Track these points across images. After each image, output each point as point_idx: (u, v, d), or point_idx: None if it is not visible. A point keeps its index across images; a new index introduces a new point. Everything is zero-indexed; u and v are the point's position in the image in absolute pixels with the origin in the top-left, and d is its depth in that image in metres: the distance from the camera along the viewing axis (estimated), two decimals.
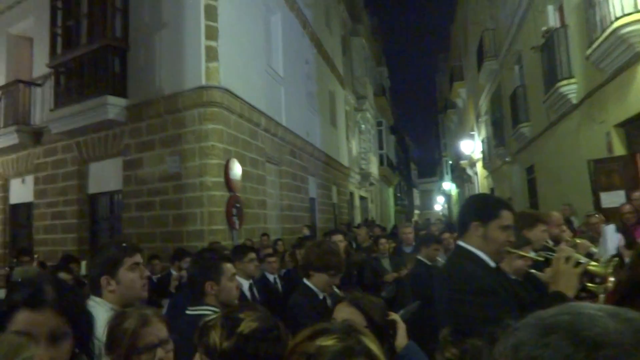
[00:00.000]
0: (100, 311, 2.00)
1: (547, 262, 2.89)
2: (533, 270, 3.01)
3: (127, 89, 8.98)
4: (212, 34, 8.28)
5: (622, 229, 5.57)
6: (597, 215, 6.13)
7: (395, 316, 2.01)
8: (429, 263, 5.09)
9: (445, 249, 6.62)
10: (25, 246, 9.29)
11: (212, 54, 8.26)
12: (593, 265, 2.10)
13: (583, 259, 2.10)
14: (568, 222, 7.45)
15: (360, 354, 1.10)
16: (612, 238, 4.35)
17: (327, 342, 1.11)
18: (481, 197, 2.58)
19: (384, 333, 1.77)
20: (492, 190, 21.24)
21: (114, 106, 8.70)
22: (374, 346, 1.15)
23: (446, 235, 6.41)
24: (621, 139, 7.69)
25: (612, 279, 1.96)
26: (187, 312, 2.39)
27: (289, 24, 12.82)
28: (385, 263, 6.68)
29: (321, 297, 3.05)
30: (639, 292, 1.64)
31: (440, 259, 6.68)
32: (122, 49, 8.99)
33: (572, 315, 0.58)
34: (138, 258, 2.24)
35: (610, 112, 7.71)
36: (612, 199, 7.13)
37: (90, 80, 8.98)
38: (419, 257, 5.22)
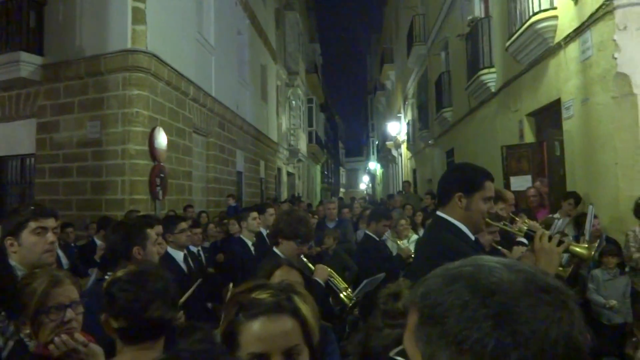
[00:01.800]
0: None
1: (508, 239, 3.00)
2: (499, 247, 3.15)
3: (44, 47, 8.39)
4: None
5: (526, 210, 6.08)
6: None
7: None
8: (377, 238, 5.22)
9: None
10: None
11: (139, 16, 7.89)
12: (577, 246, 2.11)
13: (564, 239, 2.11)
14: None
15: (287, 310, 1.18)
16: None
17: (261, 295, 1.19)
18: (465, 167, 2.44)
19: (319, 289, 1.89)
20: (414, 171, 22.10)
21: (27, 63, 8.12)
22: (304, 307, 1.22)
23: (367, 212, 6.76)
24: (532, 127, 8.27)
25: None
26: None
27: None
28: None
29: None
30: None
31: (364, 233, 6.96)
32: (39, 2, 8.36)
33: (473, 266, 0.65)
34: (48, 223, 2.20)
35: (523, 102, 8.25)
36: (520, 183, 7.69)
37: (1, 34, 8.29)
38: (367, 231, 5.38)
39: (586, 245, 2.13)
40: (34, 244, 2.13)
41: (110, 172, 7.78)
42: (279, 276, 1.93)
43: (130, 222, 2.56)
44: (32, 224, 2.14)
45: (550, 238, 2.04)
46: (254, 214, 5.00)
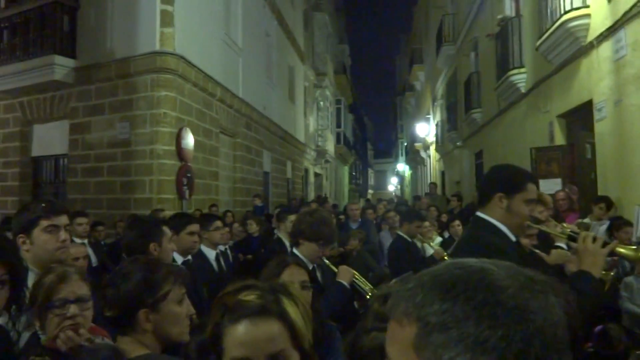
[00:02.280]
0: None
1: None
2: (537, 251, 3.06)
3: (76, 50, 8.63)
4: None
5: (555, 214, 5.92)
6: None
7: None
8: (409, 239, 5.10)
9: (390, 227, 6.84)
10: None
11: (167, 19, 8.03)
12: (624, 248, 2.04)
13: (609, 241, 2.06)
14: None
15: (273, 313, 1.12)
16: None
17: (247, 297, 1.14)
18: (507, 168, 2.39)
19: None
20: (442, 173, 21.83)
21: (61, 67, 8.36)
22: (292, 309, 1.16)
23: (391, 214, 6.66)
24: (562, 129, 8.06)
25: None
26: None
27: None
28: None
29: (310, 267, 2.92)
30: None
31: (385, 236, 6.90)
32: (72, 6, 8.60)
33: (465, 269, 0.66)
34: (59, 220, 2.17)
35: (554, 103, 8.05)
36: (550, 186, 7.49)
37: (36, 38, 8.57)
38: (400, 232, 5.26)
39: (634, 247, 2.06)
40: (45, 242, 2.11)
41: (138, 172, 7.94)
42: (288, 275, 1.92)
43: (146, 219, 2.58)
44: (44, 222, 2.12)
45: (594, 239, 1.99)
46: (293, 217, 5.04)
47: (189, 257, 3.46)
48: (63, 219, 2.20)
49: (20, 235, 2.12)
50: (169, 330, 1.52)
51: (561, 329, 0.61)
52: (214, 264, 4.06)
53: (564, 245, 3.14)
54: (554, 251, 3.14)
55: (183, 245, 3.34)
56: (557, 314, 0.62)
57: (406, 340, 0.64)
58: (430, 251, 5.54)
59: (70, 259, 3.24)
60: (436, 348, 0.61)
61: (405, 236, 5.13)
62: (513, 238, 2.16)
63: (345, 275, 2.96)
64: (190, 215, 3.87)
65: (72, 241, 5.03)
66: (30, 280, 1.85)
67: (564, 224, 3.97)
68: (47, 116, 9.08)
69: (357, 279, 3.10)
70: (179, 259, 3.36)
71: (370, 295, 3.14)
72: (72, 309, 1.62)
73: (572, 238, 2.15)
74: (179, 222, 3.39)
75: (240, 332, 1.09)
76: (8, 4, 8.98)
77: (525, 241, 2.87)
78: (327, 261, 3.07)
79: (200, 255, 3.90)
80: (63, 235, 2.16)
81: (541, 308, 0.60)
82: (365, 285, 3.23)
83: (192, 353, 1.69)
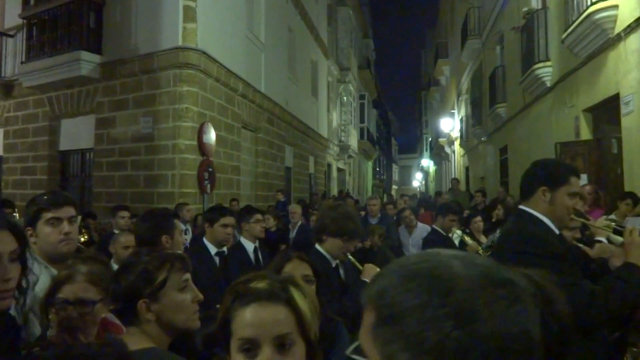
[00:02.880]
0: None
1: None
2: (580, 244, 3.06)
3: (102, 46, 8.80)
4: None
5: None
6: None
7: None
8: (444, 233, 5.06)
9: (407, 226, 6.82)
10: (8, 199, 8.98)
11: (190, 14, 8.12)
12: None
13: None
14: None
15: (280, 298, 1.20)
16: None
17: (258, 284, 1.22)
18: (550, 162, 2.44)
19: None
20: (467, 168, 21.55)
21: (87, 62, 8.54)
22: (299, 298, 1.23)
23: (406, 212, 6.72)
24: (588, 123, 7.86)
25: None
26: None
27: None
28: None
29: (333, 264, 2.85)
30: None
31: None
32: (98, 3, 8.77)
33: (430, 262, 0.63)
34: (62, 213, 2.12)
35: (580, 97, 7.85)
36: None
37: (63, 34, 8.77)
38: (434, 226, 5.26)
39: None
40: (48, 235, 2.08)
41: (161, 166, 8.07)
42: (290, 269, 1.93)
43: (159, 212, 2.63)
44: (46, 214, 2.09)
45: None
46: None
47: (224, 248, 3.50)
48: (66, 211, 2.14)
49: (28, 227, 2.10)
50: (173, 318, 1.53)
51: (521, 342, 0.57)
52: (252, 256, 4.02)
53: (604, 240, 3.12)
54: (597, 245, 3.13)
55: (216, 237, 3.42)
56: (519, 323, 0.58)
57: (367, 327, 0.64)
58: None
59: (120, 247, 3.36)
60: (384, 340, 0.61)
61: (440, 230, 5.09)
62: (556, 231, 2.18)
63: (371, 274, 2.84)
64: (226, 208, 3.88)
65: (112, 234, 5.18)
66: (39, 272, 1.90)
67: (608, 218, 3.91)
68: (74, 111, 9.30)
69: None
70: (213, 250, 3.44)
71: None
72: (70, 310, 1.61)
73: (617, 232, 2.20)
74: (214, 214, 3.48)
75: (248, 314, 1.16)
76: (37, 1, 9.20)
77: (567, 233, 2.89)
78: (352, 258, 2.97)
79: (239, 247, 3.95)
80: (66, 227, 2.11)
81: (493, 316, 0.56)
82: None
83: (198, 344, 1.71)
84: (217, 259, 3.44)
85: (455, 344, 0.55)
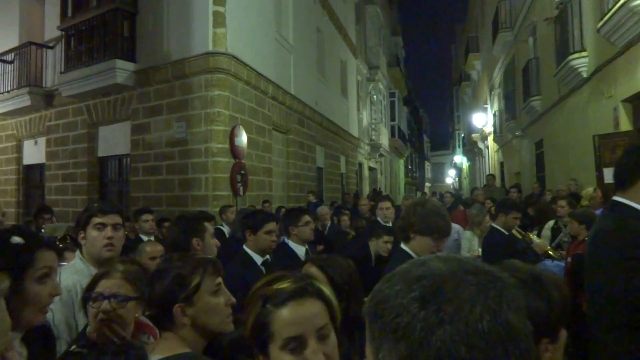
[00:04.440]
0: (72, 264, 2.36)
1: None
2: None
3: (136, 54, 9.05)
4: None
5: None
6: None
7: None
8: (506, 232, 4.56)
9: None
10: (47, 205, 9.37)
11: (219, 20, 8.25)
12: None
13: None
14: (575, 197, 7.48)
15: (312, 293, 1.23)
16: None
17: (282, 285, 1.24)
18: None
19: (343, 291, 1.87)
20: (501, 164, 21.13)
21: (122, 70, 8.78)
22: (325, 288, 1.28)
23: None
24: (628, 114, 7.60)
25: None
26: None
27: None
28: None
29: None
30: None
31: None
32: (131, 12, 9.02)
33: (409, 263, 0.68)
34: (108, 219, 2.36)
35: (619, 87, 7.60)
36: None
37: (99, 44, 9.06)
38: (494, 225, 4.70)
39: None
40: (94, 238, 2.33)
41: (195, 170, 8.23)
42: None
43: (190, 216, 2.70)
44: (95, 220, 2.35)
45: None
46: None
47: (267, 257, 3.31)
48: (112, 218, 2.38)
49: (81, 231, 2.37)
50: (208, 322, 1.56)
51: (492, 326, 0.56)
52: (303, 260, 3.67)
53: None
54: None
55: (261, 244, 3.24)
56: (489, 307, 0.57)
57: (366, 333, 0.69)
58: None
59: (146, 258, 3.13)
60: (372, 337, 0.64)
61: (500, 229, 4.58)
62: None
63: None
64: (267, 212, 3.78)
65: (138, 238, 5.28)
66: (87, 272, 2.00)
67: None
68: (111, 118, 9.59)
69: None
70: (258, 260, 3.25)
71: None
72: (105, 304, 1.67)
73: None
74: (256, 221, 3.29)
75: (289, 313, 1.19)
76: (74, 13, 9.52)
77: None
78: None
79: (288, 251, 3.73)
80: (109, 232, 2.35)
81: (460, 297, 0.57)
82: None
83: (225, 349, 1.72)
84: (263, 269, 3.23)
85: (422, 324, 0.56)
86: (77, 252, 2.41)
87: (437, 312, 0.57)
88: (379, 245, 4.74)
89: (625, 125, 7.57)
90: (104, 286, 1.71)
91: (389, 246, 4.79)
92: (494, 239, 4.54)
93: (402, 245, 2.64)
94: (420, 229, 2.54)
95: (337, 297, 1.68)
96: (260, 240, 3.22)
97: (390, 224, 5.43)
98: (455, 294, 0.58)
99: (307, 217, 3.83)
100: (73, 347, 1.65)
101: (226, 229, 6.69)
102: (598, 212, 5.90)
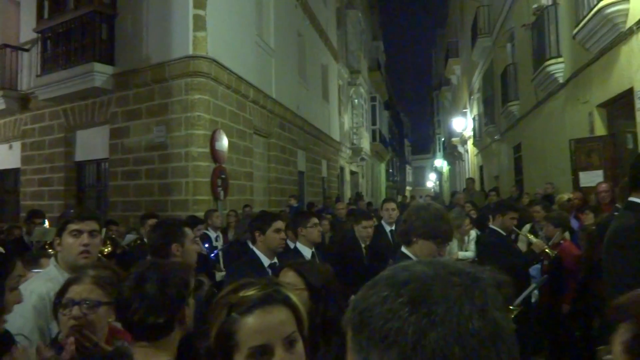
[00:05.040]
0: (46, 271, 2.35)
1: None
2: None
3: (115, 57, 8.92)
4: (200, 2, 8.21)
5: (594, 207, 5.72)
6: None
7: None
8: (504, 234, 4.50)
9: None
10: (39, 209, 9.14)
11: (199, 23, 8.20)
12: None
13: None
14: (547, 199, 7.62)
15: (279, 301, 1.21)
16: None
17: (248, 292, 1.21)
18: None
19: (321, 295, 1.86)
20: (481, 168, 21.39)
21: (100, 74, 8.66)
22: (292, 295, 1.25)
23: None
24: (603, 119, 7.77)
25: None
26: None
27: None
28: None
29: None
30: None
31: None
32: (110, 15, 8.90)
33: (391, 270, 0.67)
34: (84, 226, 2.34)
35: (594, 92, 7.77)
36: (591, 178, 7.25)
37: (77, 47, 8.91)
38: (492, 226, 4.64)
39: None
40: (70, 245, 2.30)
41: (174, 174, 8.15)
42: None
43: (169, 221, 2.67)
44: (71, 226, 2.32)
45: None
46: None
47: (275, 260, 3.24)
48: (88, 225, 2.36)
49: (57, 237, 2.36)
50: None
51: (481, 325, 0.57)
52: None
53: None
54: None
55: (270, 243, 3.21)
56: (476, 307, 0.58)
57: (348, 346, 0.67)
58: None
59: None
60: (358, 349, 0.63)
61: (498, 230, 4.51)
62: None
63: None
64: (275, 213, 3.76)
65: (142, 242, 5.21)
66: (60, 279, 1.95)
67: None
68: (89, 122, 9.44)
69: None
70: (266, 262, 3.20)
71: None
72: (75, 310, 1.65)
73: None
74: (264, 221, 3.26)
75: (254, 321, 1.15)
76: (50, 15, 9.36)
77: None
78: None
79: (295, 252, 3.75)
80: (85, 239, 2.32)
81: (449, 298, 0.58)
82: None
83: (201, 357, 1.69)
84: (269, 272, 3.11)
85: (413, 328, 0.56)
86: (52, 259, 2.37)
87: (428, 315, 0.57)
88: (359, 231, 4.76)
89: (600, 129, 7.73)
90: (74, 292, 1.69)
91: (370, 231, 4.84)
92: (492, 240, 4.57)
93: (404, 249, 2.60)
94: (424, 233, 2.51)
95: (315, 301, 1.69)
96: (269, 239, 3.22)
97: (392, 227, 5.55)
98: (443, 295, 0.58)
99: (315, 219, 3.87)
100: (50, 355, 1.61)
101: (212, 234, 6.63)
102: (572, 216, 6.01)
